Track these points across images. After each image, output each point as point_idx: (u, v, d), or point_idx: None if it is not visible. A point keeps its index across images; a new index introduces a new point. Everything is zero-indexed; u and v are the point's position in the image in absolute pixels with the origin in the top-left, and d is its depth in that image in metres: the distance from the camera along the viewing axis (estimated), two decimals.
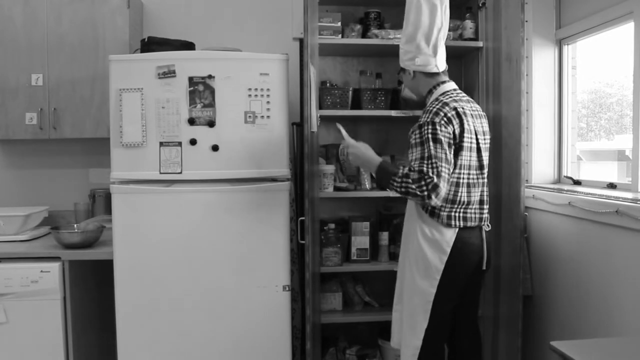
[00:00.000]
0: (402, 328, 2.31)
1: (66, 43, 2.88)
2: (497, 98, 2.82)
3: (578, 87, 2.94)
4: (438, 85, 2.25)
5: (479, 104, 2.98)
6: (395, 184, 2.09)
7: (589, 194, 2.43)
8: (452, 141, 2.09)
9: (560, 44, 2.96)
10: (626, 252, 2.16)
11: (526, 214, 2.64)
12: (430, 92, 2.26)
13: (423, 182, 2.03)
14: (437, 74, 2.24)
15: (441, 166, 2.04)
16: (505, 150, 2.71)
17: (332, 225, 2.94)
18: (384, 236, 2.99)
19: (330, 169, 2.92)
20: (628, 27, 2.45)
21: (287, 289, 2.63)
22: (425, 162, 2.05)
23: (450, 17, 2.99)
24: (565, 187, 2.74)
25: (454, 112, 2.11)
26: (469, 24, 2.97)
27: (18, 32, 2.86)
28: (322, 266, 2.90)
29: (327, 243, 2.90)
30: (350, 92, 2.96)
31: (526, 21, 2.75)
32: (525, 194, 2.60)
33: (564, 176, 2.95)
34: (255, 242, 2.59)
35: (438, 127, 2.06)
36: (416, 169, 2.07)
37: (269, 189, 2.59)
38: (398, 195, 2.14)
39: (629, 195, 2.28)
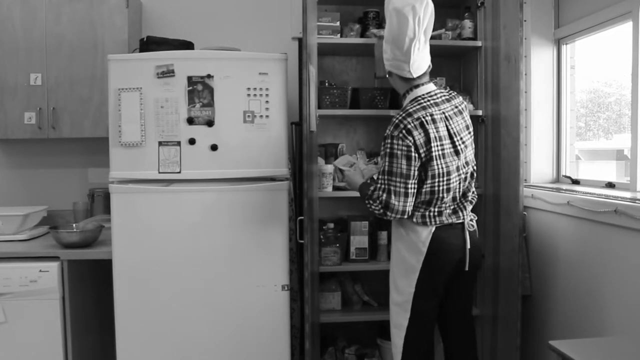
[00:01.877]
0: (390, 326, 2.33)
1: (65, 42, 2.87)
2: (495, 97, 2.82)
3: (576, 87, 2.94)
4: (411, 89, 2.21)
5: (477, 103, 3.01)
6: (367, 204, 2.21)
7: (588, 193, 2.44)
8: (411, 153, 2.08)
9: (558, 43, 2.97)
10: (625, 251, 2.16)
11: (525, 213, 2.65)
12: (404, 95, 2.25)
13: (378, 201, 2.15)
14: (411, 78, 2.20)
15: (394, 182, 2.11)
16: (503, 149, 2.71)
17: (331, 225, 2.94)
18: (383, 235, 2.98)
19: (329, 168, 2.92)
20: (626, 27, 2.46)
21: (286, 288, 2.63)
22: (379, 177, 2.16)
23: (449, 17, 3.03)
24: (564, 187, 2.75)
25: (416, 123, 2.09)
26: (467, 23, 2.97)
27: (17, 32, 2.86)
28: (321, 265, 2.90)
29: (326, 242, 2.90)
30: (349, 92, 2.97)
31: (525, 21, 2.76)
32: (524, 193, 2.60)
33: (563, 175, 2.95)
34: (254, 241, 2.59)
35: (395, 141, 2.09)
36: (374, 187, 2.19)
37: (267, 189, 2.59)
38: None
39: (628, 194, 2.28)
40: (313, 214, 2.67)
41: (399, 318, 2.23)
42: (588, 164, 2.96)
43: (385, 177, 2.12)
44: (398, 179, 2.10)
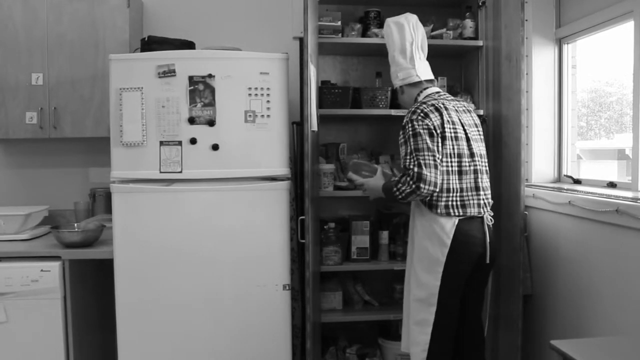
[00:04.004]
0: (409, 326, 2.32)
1: (66, 42, 2.87)
2: (497, 97, 2.81)
3: (578, 86, 2.94)
4: (421, 92, 2.39)
5: (478, 103, 3.02)
6: (397, 195, 2.20)
7: (589, 193, 2.43)
8: (433, 130, 2.19)
9: (560, 42, 2.96)
10: (626, 251, 2.16)
11: (526, 213, 2.65)
12: (415, 99, 2.38)
13: (408, 177, 2.17)
14: (419, 82, 2.39)
15: (422, 156, 2.17)
16: (505, 149, 2.71)
17: (332, 224, 2.94)
18: (384, 235, 2.99)
19: (330, 168, 2.92)
20: (628, 26, 2.45)
21: (287, 288, 2.63)
22: (407, 157, 2.22)
23: (450, 16, 3.03)
24: (565, 186, 2.74)
25: (431, 107, 2.25)
26: (468, 23, 2.97)
27: (18, 31, 2.86)
28: (322, 265, 2.90)
29: (327, 242, 2.90)
30: (350, 91, 2.96)
31: (526, 20, 2.75)
32: (525, 193, 2.60)
33: (564, 175, 2.95)
34: (255, 241, 2.59)
35: (416, 123, 2.21)
36: (402, 167, 2.25)
37: (269, 188, 2.59)
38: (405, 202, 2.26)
39: (629, 194, 2.28)
40: (314, 214, 2.67)
41: (423, 314, 2.24)
42: (589, 164, 2.95)
43: (414, 154, 2.19)
44: (426, 153, 2.17)
